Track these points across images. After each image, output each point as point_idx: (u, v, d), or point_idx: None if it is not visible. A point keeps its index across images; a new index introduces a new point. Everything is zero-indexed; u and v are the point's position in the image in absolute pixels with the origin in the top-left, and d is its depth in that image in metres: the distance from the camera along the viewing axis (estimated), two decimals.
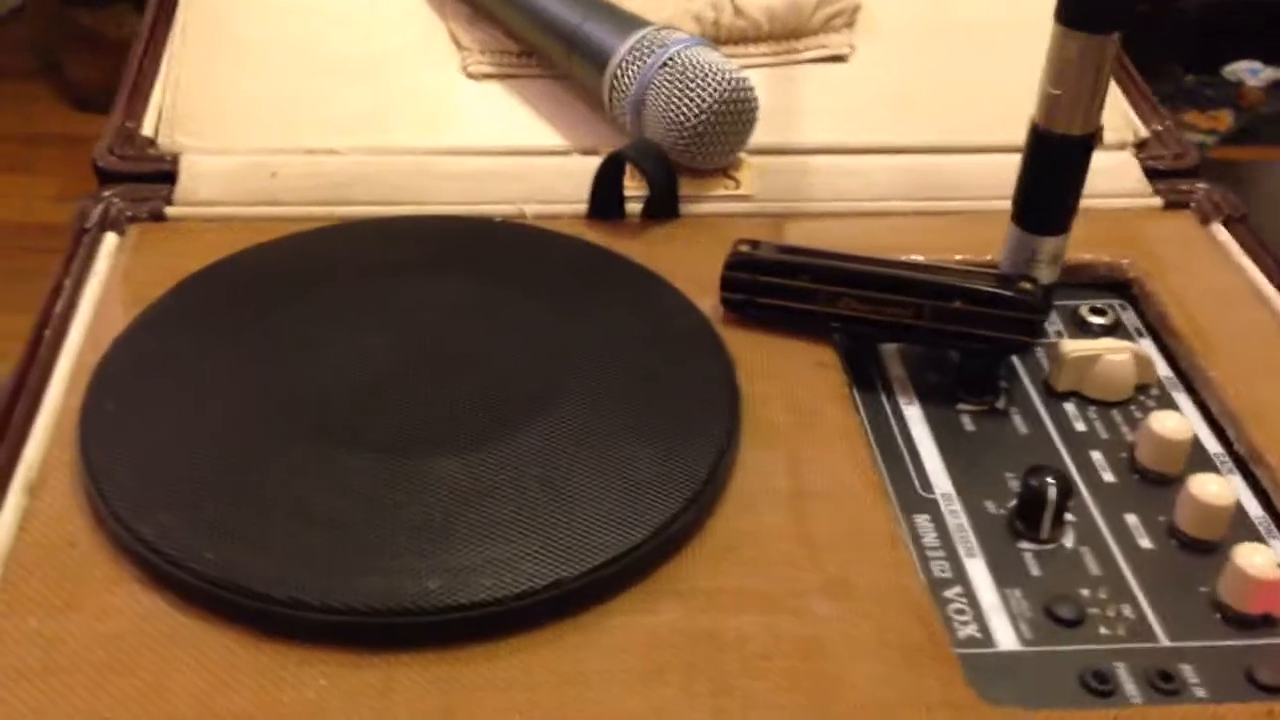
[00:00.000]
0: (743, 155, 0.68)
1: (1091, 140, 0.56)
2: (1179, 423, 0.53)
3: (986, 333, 0.55)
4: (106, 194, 0.63)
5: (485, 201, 0.65)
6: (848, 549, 0.47)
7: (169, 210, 0.63)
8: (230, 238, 0.61)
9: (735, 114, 0.64)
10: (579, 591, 0.43)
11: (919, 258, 0.60)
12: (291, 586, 0.42)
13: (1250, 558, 0.47)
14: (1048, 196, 0.57)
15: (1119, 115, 0.73)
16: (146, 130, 0.68)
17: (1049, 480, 0.50)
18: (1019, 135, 0.69)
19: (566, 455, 0.48)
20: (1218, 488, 0.50)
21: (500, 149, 0.68)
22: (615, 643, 0.43)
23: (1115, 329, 0.62)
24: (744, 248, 0.59)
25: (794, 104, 0.73)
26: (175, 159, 0.65)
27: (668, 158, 0.64)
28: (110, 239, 0.61)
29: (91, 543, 0.46)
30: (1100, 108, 0.55)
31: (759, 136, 0.69)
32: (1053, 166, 0.57)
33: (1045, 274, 0.59)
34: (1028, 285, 0.56)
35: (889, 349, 0.60)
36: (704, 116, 0.63)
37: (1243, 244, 0.66)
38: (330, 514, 0.45)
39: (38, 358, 0.54)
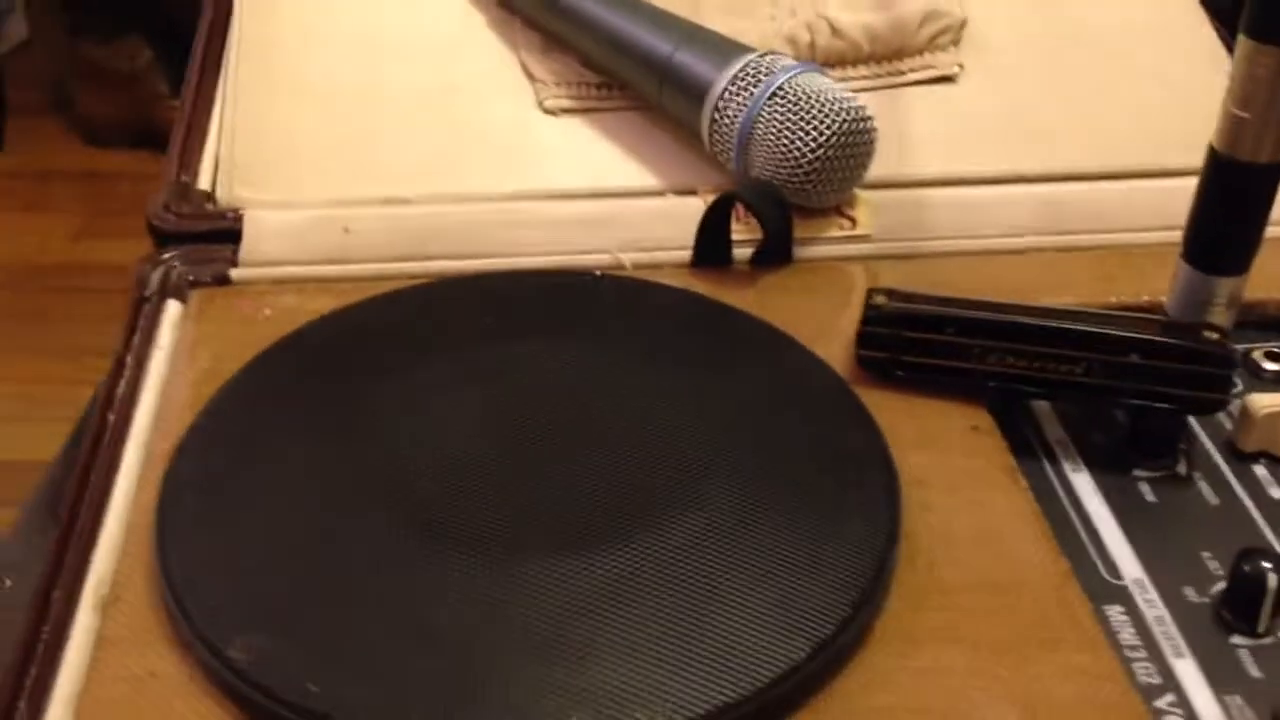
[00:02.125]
0: (857, 191, 0.62)
1: (1278, 171, 0.50)
2: None
3: (1168, 390, 0.49)
4: (165, 256, 0.57)
5: (576, 251, 0.59)
6: (1038, 655, 0.41)
7: (234, 273, 0.57)
8: (305, 301, 0.55)
9: (854, 146, 0.58)
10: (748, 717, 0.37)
11: (1073, 304, 0.53)
12: None
13: None
14: (1228, 232, 0.51)
15: None
16: (203, 184, 0.62)
17: (1265, 565, 0.43)
18: (1165, 157, 0.63)
19: (713, 552, 0.42)
20: None
21: (588, 191, 0.62)
22: None
23: None
24: (880, 299, 0.52)
25: (904, 131, 0.67)
26: (237, 215, 0.59)
27: (783, 196, 0.57)
28: (173, 307, 0.55)
29: (175, 671, 0.40)
30: None
31: (874, 170, 0.63)
32: (1235, 199, 0.50)
33: (1222, 318, 0.53)
34: (1213, 334, 0.49)
35: (1043, 406, 0.53)
36: (821, 151, 0.57)
37: None
38: (445, 630, 0.39)
39: (101, 448, 0.48)
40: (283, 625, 0.39)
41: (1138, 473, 0.50)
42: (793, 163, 0.58)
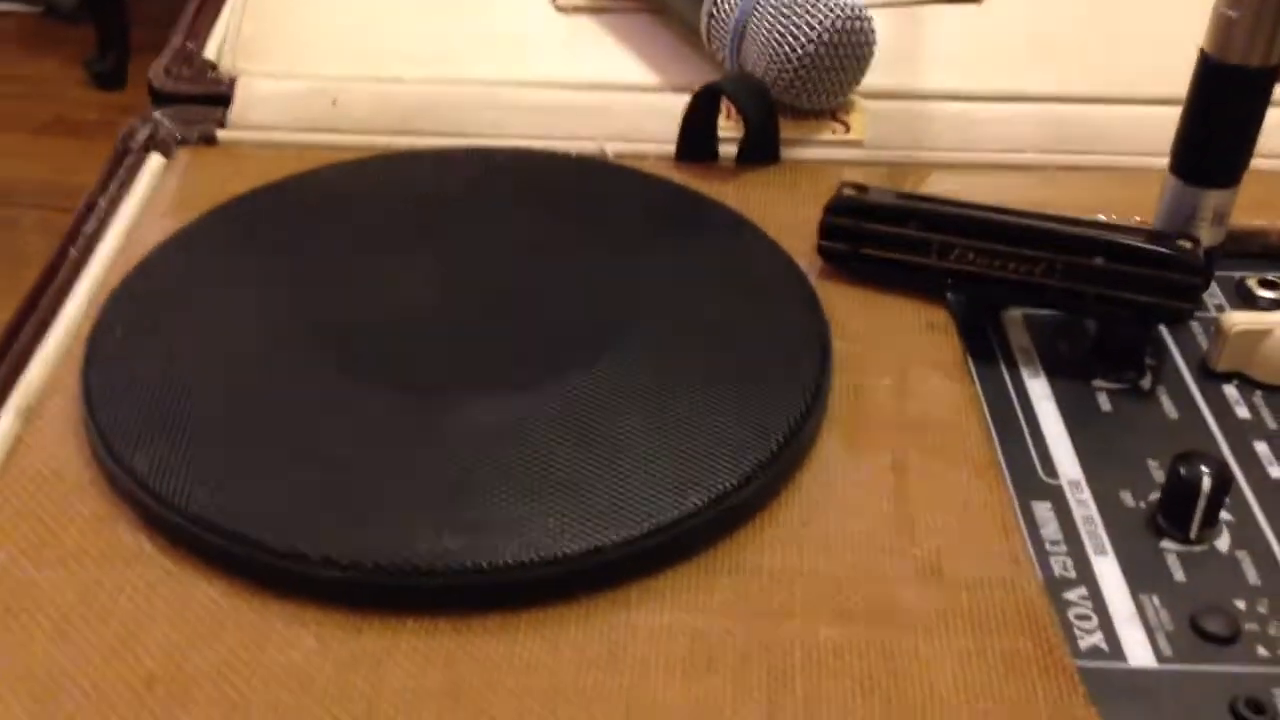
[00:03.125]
0: (855, 98, 0.61)
1: (1273, 75, 0.47)
2: None
3: (1133, 297, 0.47)
4: (157, 114, 0.59)
5: (562, 138, 0.58)
6: (947, 535, 0.39)
7: (221, 134, 0.58)
8: (283, 165, 0.56)
9: (848, 46, 0.57)
10: (620, 563, 0.36)
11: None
12: (290, 535, 0.36)
13: None
14: (1215, 141, 0.49)
15: None
16: (209, 54, 0.63)
17: (1203, 469, 0.41)
18: (1180, 87, 0.61)
19: (621, 407, 0.41)
20: None
21: (581, 83, 0.61)
22: (659, 624, 0.36)
23: None
24: (849, 191, 0.51)
25: (918, 47, 0.65)
26: (233, 82, 0.60)
27: (768, 93, 0.56)
28: (155, 160, 0.56)
29: (81, 476, 0.40)
30: None
31: (877, 80, 0.61)
32: (1223, 104, 0.48)
33: (1208, 235, 0.50)
34: (1186, 243, 0.47)
35: (1013, 316, 0.51)
36: (811, 48, 0.56)
37: None
38: (341, 457, 0.39)
39: (56, 278, 0.49)
40: (185, 441, 0.40)
41: (1099, 383, 0.48)
42: (782, 60, 0.56)
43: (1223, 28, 0.46)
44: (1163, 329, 0.51)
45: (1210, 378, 0.49)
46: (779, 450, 0.40)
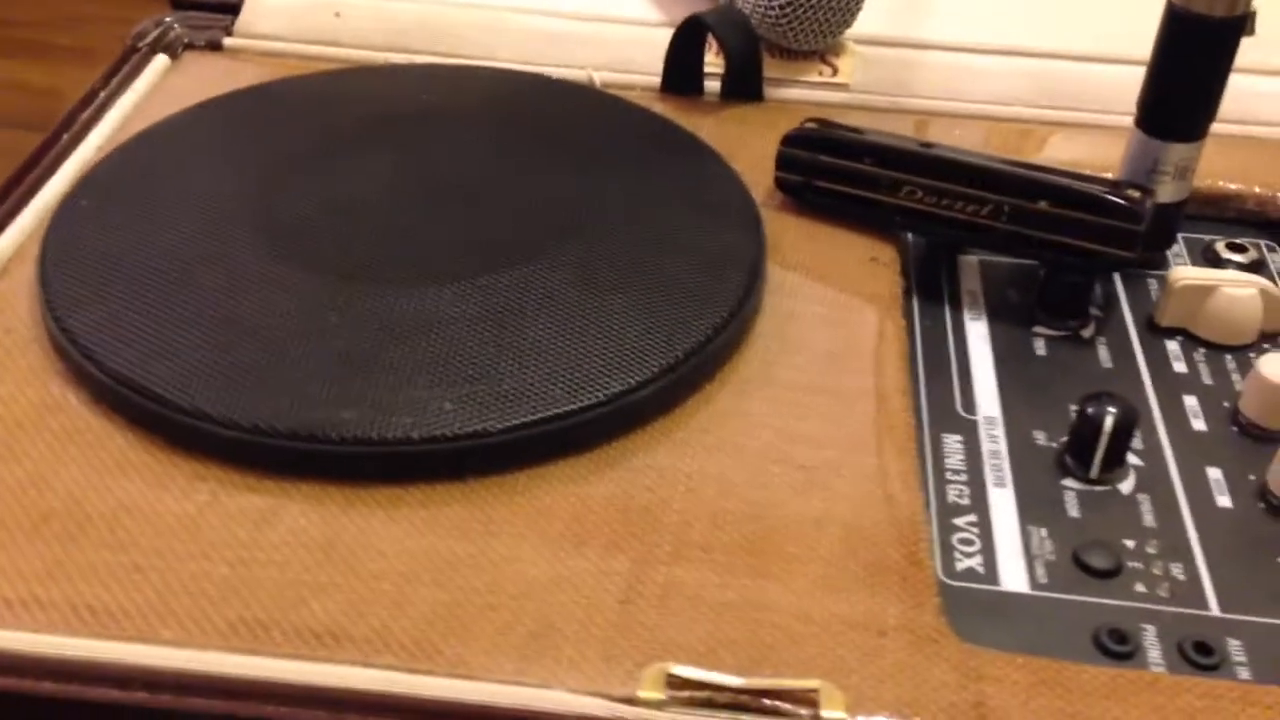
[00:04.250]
0: (847, 41, 0.61)
1: (1238, 26, 0.47)
2: None
3: (1075, 242, 0.47)
4: (168, 18, 0.61)
5: (554, 64, 0.59)
6: (842, 450, 0.40)
7: (226, 41, 0.60)
8: (281, 73, 0.58)
9: None
10: (504, 447, 0.38)
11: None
12: (197, 395, 0.38)
13: None
14: (1177, 92, 0.48)
15: None
16: None
17: (1108, 409, 0.41)
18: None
19: (539, 307, 0.42)
20: None
21: (578, 13, 0.62)
22: (537, 506, 0.37)
23: (1256, 270, 0.52)
24: (811, 125, 0.52)
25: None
26: None
27: (750, 27, 0.57)
28: (160, 60, 0.59)
29: (28, 333, 0.43)
30: None
31: (871, 26, 0.61)
32: (1186, 55, 0.47)
33: (1170, 189, 0.50)
34: (1135, 193, 0.47)
35: (969, 261, 0.52)
36: None
37: None
38: (260, 330, 0.41)
39: (45, 157, 0.51)
40: (120, 305, 0.42)
41: (1040, 329, 0.48)
42: None
43: None
44: (1118, 283, 0.51)
45: (1155, 332, 0.48)
46: (683, 359, 0.41)
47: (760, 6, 0.58)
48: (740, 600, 0.35)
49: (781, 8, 0.57)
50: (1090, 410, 0.41)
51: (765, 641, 0.34)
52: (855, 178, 0.50)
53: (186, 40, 0.60)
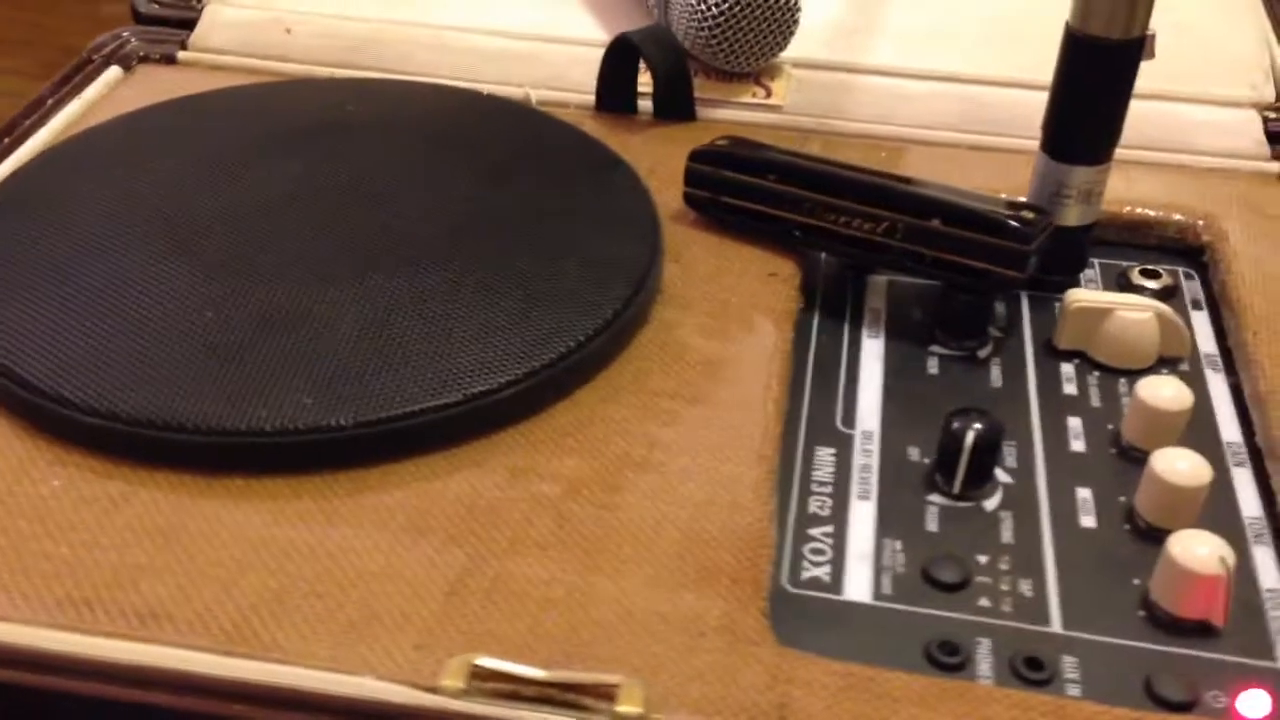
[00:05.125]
0: (782, 64, 0.61)
1: (1135, 49, 0.46)
2: (1176, 391, 0.43)
3: (966, 261, 0.47)
4: (126, 32, 0.63)
5: (495, 81, 0.61)
6: (698, 457, 0.40)
7: (181, 55, 0.62)
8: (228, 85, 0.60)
9: (766, 11, 0.58)
10: (357, 442, 0.39)
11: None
12: (65, 384, 0.39)
13: (1190, 547, 0.37)
14: (1077, 116, 0.48)
15: (1257, 70, 0.62)
16: None
17: (972, 426, 0.41)
18: None
19: (413, 306, 0.43)
20: (1188, 466, 0.40)
21: (520, 32, 0.63)
22: (385, 501, 0.38)
23: (1169, 296, 0.51)
24: (721, 141, 0.52)
25: (865, 23, 0.65)
26: (203, 6, 0.64)
27: (679, 47, 0.58)
28: (112, 71, 0.61)
29: None
30: (1148, 7, 0.46)
31: (808, 50, 0.62)
32: (1085, 78, 0.47)
33: (1075, 213, 0.50)
34: (1030, 215, 0.47)
35: (878, 280, 0.52)
36: (725, 7, 0.57)
37: None
38: (137, 323, 0.42)
39: None
40: (8, 297, 0.43)
41: (936, 349, 0.48)
42: (699, 18, 0.58)
43: (1084, 0, 0.46)
44: (1024, 305, 0.51)
45: (1052, 354, 0.48)
46: (548, 364, 0.41)
47: (692, 28, 0.58)
48: (566, 597, 0.35)
49: (711, 30, 0.58)
50: (954, 426, 0.41)
51: (583, 637, 0.34)
52: (758, 194, 0.50)
53: (142, 53, 0.62)
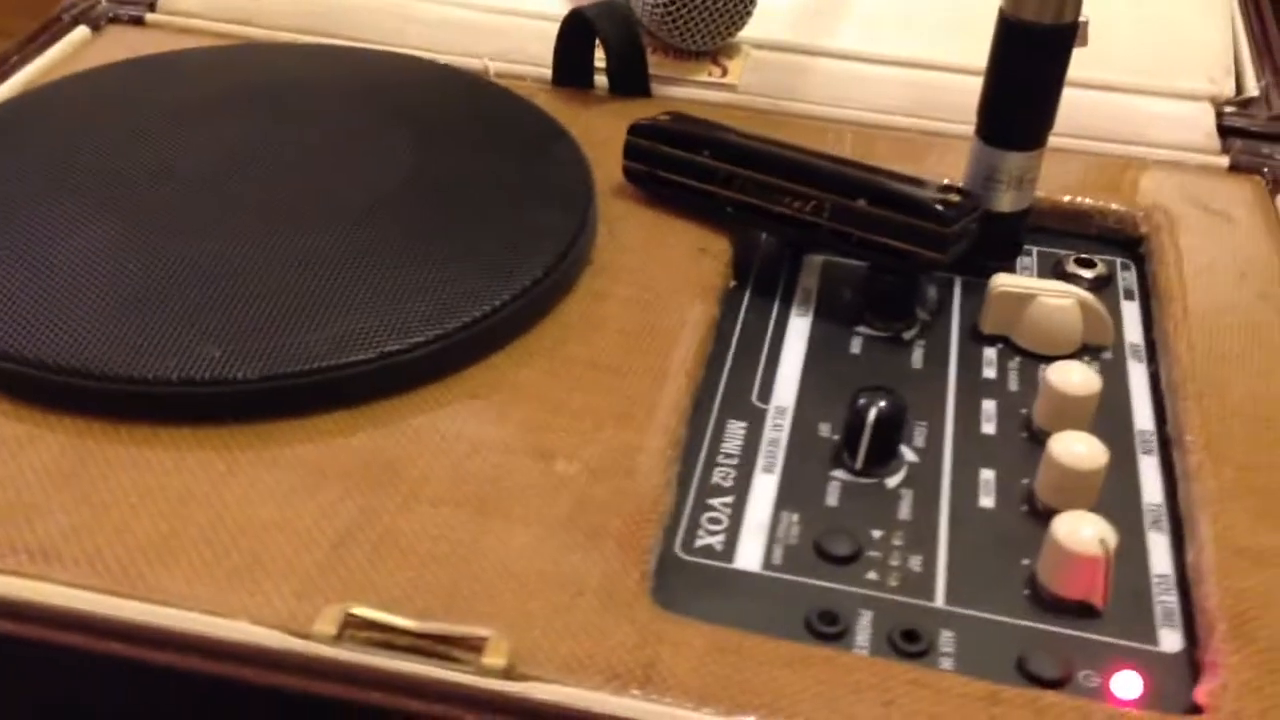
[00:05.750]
0: (741, 44, 0.62)
1: (1066, 35, 0.47)
2: (1084, 377, 0.43)
3: (890, 242, 0.47)
4: None
5: (457, 52, 0.61)
6: (602, 424, 0.41)
7: (149, 16, 0.63)
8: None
9: None
10: (261, 395, 0.39)
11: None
12: None
13: (1073, 528, 0.37)
14: (1009, 100, 0.48)
15: (1218, 64, 0.62)
16: None
17: (879, 403, 0.41)
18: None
19: (333, 265, 0.44)
20: (1085, 449, 0.40)
21: (485, 5, 0.64)
22: (288, 455, 0.39)
23: (1103, 286, 0.51)
24: (663, 117, 0.53)
25: (832, 6, 0.66)
26: None
27: (632, 22, 0.58)
28: (80, 31, 0.62)
29: None
30: None
31: (771, 31, 0.62)
32: (1017, 62, 0.47)
33: (1008, 199, 0.50)
34: (955, 198, 0.47)
35: (814, 260, 0.52)
36: None
37: None
38: (52, 271, 0.43)
39: None
40: None
41: (862, 329, 0.48)
42: None
43: None
44: (956, 289, 0.51)
45: (978, 339, 0.48)
46: (460, 328, 0.42)
47: (649, 4, 0.59)
48: (451, 553, 0.36)
49: (665, 7, 0.58)
50: (859, 403, 0.42)
51: (462, 592, 0.35)
52: (693, 169, 0.51)
53: (111, 14, 0.63)
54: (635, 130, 0.52)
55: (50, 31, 0.61)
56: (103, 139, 0.50)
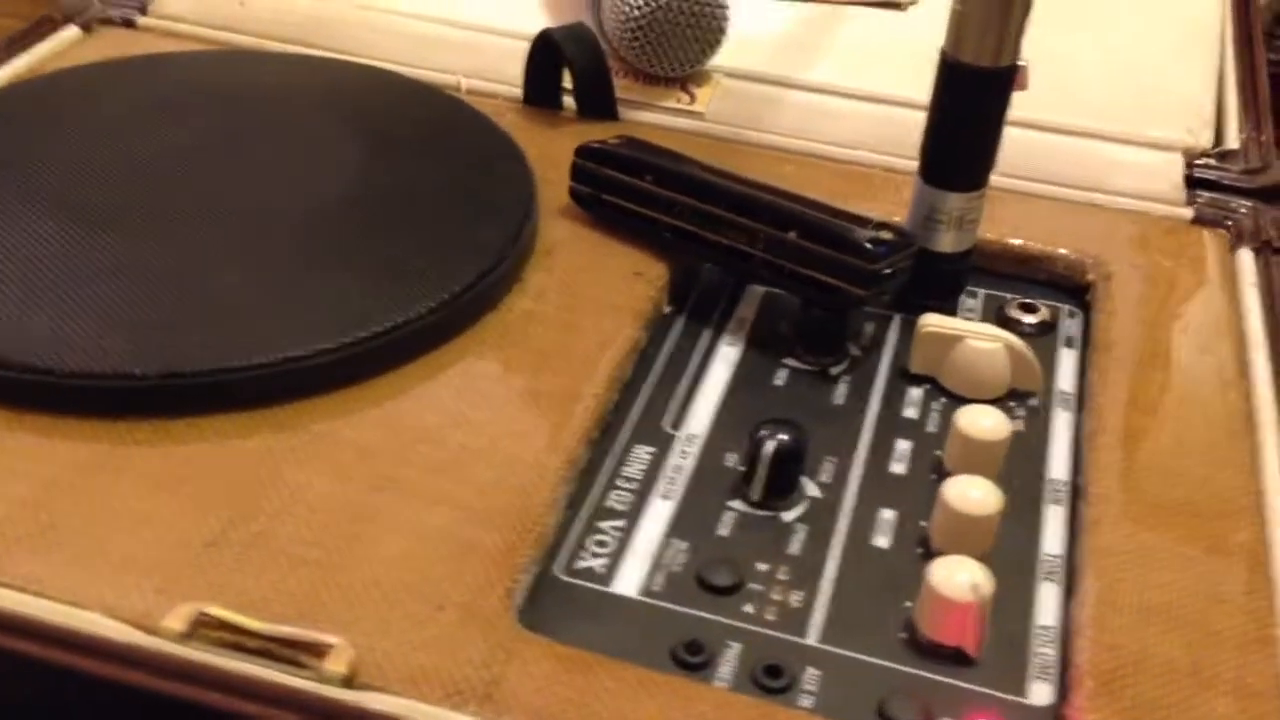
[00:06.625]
0: (715, 74, 0.62)
1: (1005, 78, 0.46)
2: (995, 422, 0.42)
3: (816, 275, 0.47)
4: None
5: (431, 68, 0.62)
6: (498, 440, 0.41)
7: (140, 20, 0.65)
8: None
9: (691, 17, 0.58)
10: (155, 392, 0.40)
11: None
12: None
13: (948, 573, 0.36)
14: (947, 141, 0.48)
15: (1197, 114, 0.61)
16: None
17: (779, 436, 0.41)
18: (1030, 111, 0.60)
19: (251, 268, 0.45)
20: (979, 494, 0.39)
21: (467, 23, 0.64)
22: (179, 452, 0.39)
23: (1045, 332, 0.51)
24: (614, 140, 0.53)
25: (813, 40, 0.65)
26: None
27: (597, 45, 0.58)
28: (69, 30, 0.63)
29: None
30: (1018, 36, 0.46)
31: (746, 61, 0.62)
32: (955, 104, 0.47)
33: (948, 239, 0.49)
34: (887, 235, 0.47)
35: (755, 291, 0.52)
36: (649, 9, 0.58)
37: (1264, 278, 0.52)
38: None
39: None
40: None
41: (790, 362, 0.48)
42: (623, 18, 0.58)
43: (955, 24, 0.46)
44: (894, 327, 0.50)
45: (907, 378, 0.48)
46: (369, 338, 0.42)
47: (617, 28, 0.59)
48: (320, 559, 0.36)
49: (634, 31, 0.59)
50: (758, 435, 0.41)
51: (322, 598, 0.35)
52: (635, 194, 0.51)
53: (102, 16, 0.65)
54: (582, 153, 0.52)
55: (40, 30, 0.63)
56: (58, 136, 0.52)
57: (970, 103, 0.47)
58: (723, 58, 0.62)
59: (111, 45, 0.63)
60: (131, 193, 0.48)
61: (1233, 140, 0.61)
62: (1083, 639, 0.36)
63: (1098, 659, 0.35)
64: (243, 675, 0.32)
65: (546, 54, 0.59)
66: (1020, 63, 0.46)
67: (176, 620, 0.33)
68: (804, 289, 0.47)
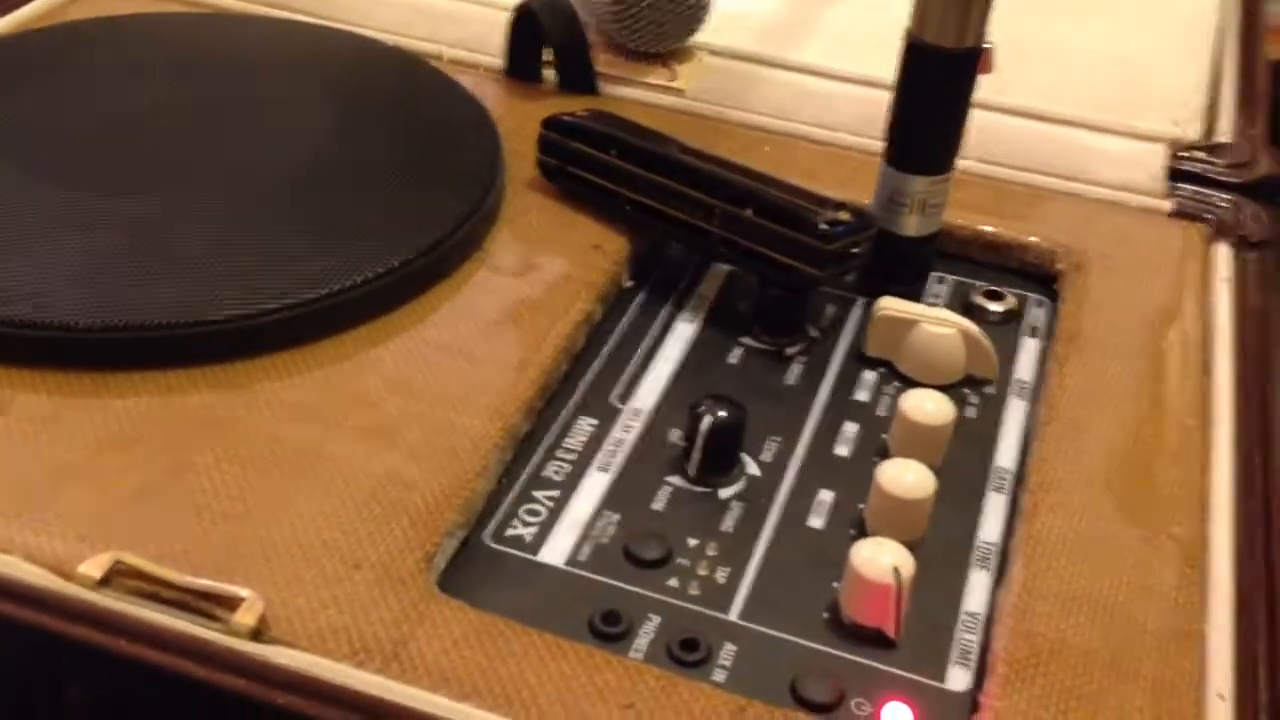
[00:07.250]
0: (698, 51, 0.61)
1: (969, 60, 0.46)
2: (938, 406, 0.42)
3: (770, 253, 0.46)
4: None
5: (414, 36, 0.62)
6: (435, 406, 0.41)
7: None
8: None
9: None
10: (94, 344, 0.40)
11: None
12: None
13: (871, 554, 0.36)
14: (911, 124, 0.47)
15: (1186, 106, 0.60)
16: None
17: (716, 412, 0.41)
18: (1018, 98, 0.60)
19: (205, 226, 0.45)
20: (914, 477, 0.39)
21: None
22: (117, 405, 0.40)
23: (1009, 320, 0.50)
24: (582, 113, 0.53)
25: (804, 21, 0.65)
26: None
27: (576, 19, 0.58)
28: None
29: None
30: (982, 19, 0.45)
31: (733, 40, 0.62)
32: (919, 86, 0.47)
33: (912, 223, 0.49)
34: (845, 215, 0.46)
35: (719, 269, 0.52)
36: None
37: (1239, 274, 0.52)
38: None
39: None
40: None
41: (746, 340, 0.48)
42: None
43: (920, 3, 0.45)
44: (856, 309, 0.50)
45: (863, 361, 0.47)
46: (313, 300, 0.42)
47: (600, 4, 0.59)
48: (245, 512, 0.36)
49: (612, 8, 0.58)
50: (696, 411, 0.41)
51: (241, 552, 0.35)
52: (598, 167, 0.50)
53: None
54: (548, 124, 0.52)
55: None
56: (33, 96, 0.52)
57: (933, 84, 0.46)
58: (707, 35, 0.62)
59: (102, 5, 0.63)
60: (100, 149, 0.49)
61: (1225, 133, 0.60)
62: (1001, 626, 0.36)
63: (1013, 646, 0.35)
64: (151, 624, 0.33)
65: (527, 26, 0.59)
66: (985, 44, 0.46)
67: (93, 567, 0.33)
68: (760, 267, 0.47)
